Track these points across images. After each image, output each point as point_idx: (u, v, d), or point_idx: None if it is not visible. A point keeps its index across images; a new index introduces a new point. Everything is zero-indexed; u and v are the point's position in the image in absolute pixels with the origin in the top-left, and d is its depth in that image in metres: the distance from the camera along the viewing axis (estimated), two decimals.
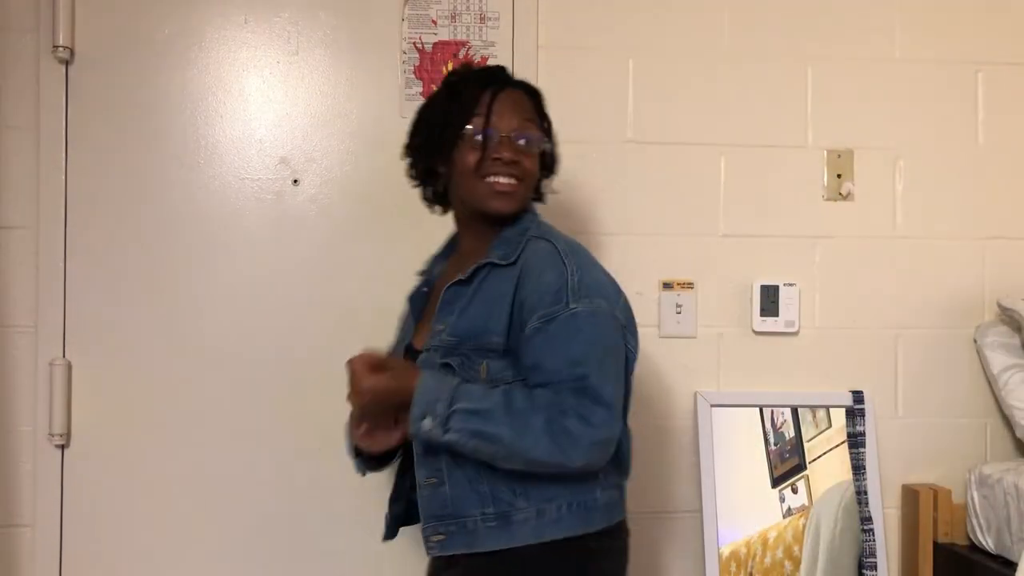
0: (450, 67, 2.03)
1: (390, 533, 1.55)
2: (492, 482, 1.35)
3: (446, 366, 1.38)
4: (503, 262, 1.40)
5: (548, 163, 1.54)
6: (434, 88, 1.51)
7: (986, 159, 2.15)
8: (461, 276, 1.43)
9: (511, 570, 1.35)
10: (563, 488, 1.35)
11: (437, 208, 1.57)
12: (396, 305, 1.64)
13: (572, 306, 1.34)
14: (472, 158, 1.42)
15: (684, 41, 2.09)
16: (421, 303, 1.58)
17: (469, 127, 1.42)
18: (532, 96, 1.51)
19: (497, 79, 1.48)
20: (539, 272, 1.38)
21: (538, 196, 1.55)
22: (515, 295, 1.38)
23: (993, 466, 2.00)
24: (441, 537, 1.36)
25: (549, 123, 1.53)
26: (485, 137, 1.42)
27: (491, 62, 2.03)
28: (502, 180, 1.42)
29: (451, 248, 1.60)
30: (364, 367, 1.34)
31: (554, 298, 1.34)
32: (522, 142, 1.44)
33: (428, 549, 1.38)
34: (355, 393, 1.35)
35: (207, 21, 2.00)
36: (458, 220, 1.55)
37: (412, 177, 1.55)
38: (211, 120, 2.00)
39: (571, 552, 1.36)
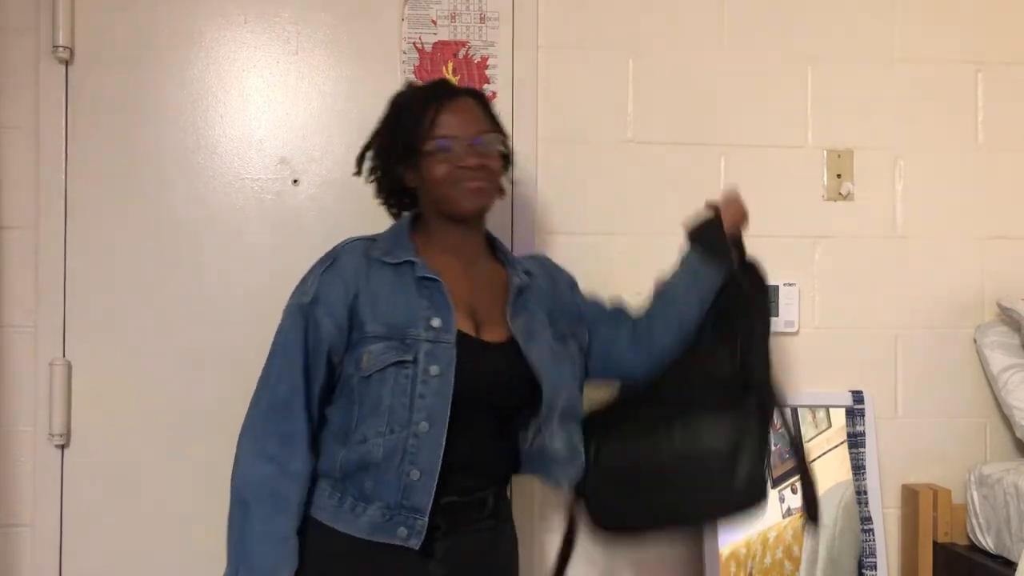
0: (450, 67, 2.03)
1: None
2: None
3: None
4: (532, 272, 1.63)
5: (504, 160, 1.60)
6: None
7: (986, 159, 2.15)
8: (520, 283, 1.57)
9: None
10: None
11: (402, 213, 1.63)
12: None
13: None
14: (440, 170, 1.48)
15: (684, 41, 2.09)
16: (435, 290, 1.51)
17: (433, 142, 1.48)
18: (479, 100, 1.56)
19: (443, 91, 1.55)
20: (561, 273, 1.72)
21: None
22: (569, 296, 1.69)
23: (993, 466, 2.00)
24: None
25: (499, 122, 1.58)
26: (447, 148, 1.48)
27: (491, 62, 2.03)
28: (473, 184, 1.49)
29: (404, 239, 1.57)
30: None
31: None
32: (481, 144, 1.50)
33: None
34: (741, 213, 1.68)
35: (207, 21, 2.00)
36: (432, 221, 1.57)
37: (379, 192, 1.61)
38: (211, 120, 2.00)
39: None
